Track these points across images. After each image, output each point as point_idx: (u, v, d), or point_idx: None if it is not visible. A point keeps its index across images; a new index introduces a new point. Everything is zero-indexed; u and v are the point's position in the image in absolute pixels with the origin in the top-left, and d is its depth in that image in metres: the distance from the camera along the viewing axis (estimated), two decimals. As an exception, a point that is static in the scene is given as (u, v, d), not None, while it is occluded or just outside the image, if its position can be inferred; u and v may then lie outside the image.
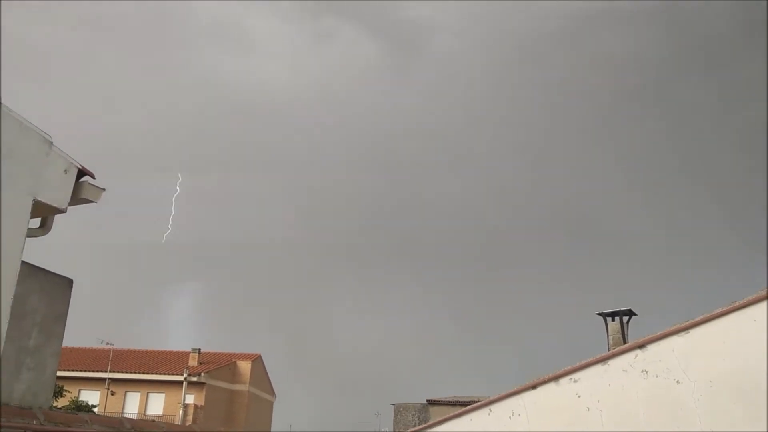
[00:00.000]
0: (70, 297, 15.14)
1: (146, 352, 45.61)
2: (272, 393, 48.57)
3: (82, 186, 4.61)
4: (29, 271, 7.58)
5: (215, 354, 44.25)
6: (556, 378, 7.04)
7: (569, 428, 6.79)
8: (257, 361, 45.24)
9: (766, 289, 6.39)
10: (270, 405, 48.24)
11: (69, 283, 15.28)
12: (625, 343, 10.96)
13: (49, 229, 4.66)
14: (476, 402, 7.72)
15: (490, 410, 7.29)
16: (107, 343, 40.90)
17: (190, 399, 38.27)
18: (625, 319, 12.93)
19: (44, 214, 4.55)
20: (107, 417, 4.98)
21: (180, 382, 38.33)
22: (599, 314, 13.20)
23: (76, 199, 4.59)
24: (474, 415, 7.37)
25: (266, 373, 47.27)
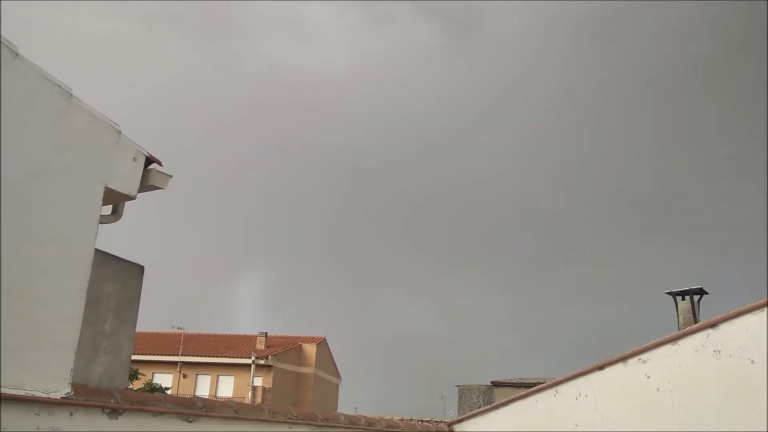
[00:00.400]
0: (142, 283, 15.74)
1: (215, 336, 46.83)
2: (338, 376, 49.28)
3: (150, 173, 4.75)
4: (103, 258, 7.88)
5: (281, 337, 45.10)
6: (624, 358, 6.91)
7: (638, 409, 6.66)
8: (322, 344, 45.94)
9: None
10: (336, 387, 48.95)
11: (141, 269, 15.88)
12: (696, 322, 10.64)
13: (120, 216, 4.83)
14: (541, 384, 7.65)
15: (557, 391, 7.21)
16: (178, 328, 42.24)
17: (258, 381, 39.21)
18: (696, 298, 12.54)
19: (115, 201, 4.72)
20: (180, 396, 5.16)
21: (248, 365, 39.32)
22: (669, 293, 12.84)
23: (145, 186, 4.73)
24: (540, 396, 7.31)
25: (331, 356, 47.96)
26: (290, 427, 5.48)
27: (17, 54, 4.02)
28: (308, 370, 44.27)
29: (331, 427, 5.81)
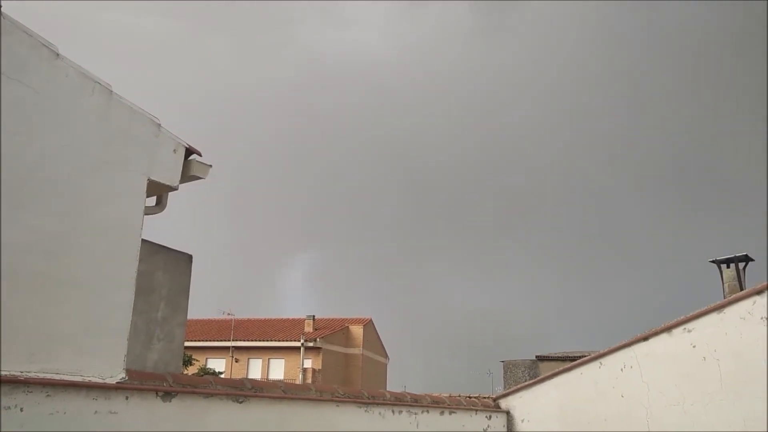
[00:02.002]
0: (191, 271, 16.09)
1: (265, 320, 47.66)
2: (385, 355, 49.74)
3: (190, 164, 4.89)
4: (153, 249, 8.08)
5: (329, 320, 45.68)
6: (668, 329, 6.86)
7: (685, 379, 6.62)
8: (369, 325, 46.40)
9: None
10: (384, 367, 49.44)
11: (189, 258, 16.22)
12: (741, 290, 10.46)
13: (164, 207, 4.98)
14: (585, 357, 7.64)
15: (601, 363, 7.21)
16: (228, 314, 43.15)
17: (308, 363, 39.86)
18: (741, 265, 12.28)
19: (158, 192, 4.87)
20: (230, 378, 5.33)
21: (298, 348, 39.98)
22: (713, 261, 12.60)
23: (186, 176, 4.87)
24: (584, 369, 7.32)
25: (378, 336, 48.41)
26: (337, 405, 5.62)
27: (58, 54, 4.17)
28: (356, 350, 44.80)
29: (377, 404, 5.93)
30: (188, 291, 15.54)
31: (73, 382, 3.96)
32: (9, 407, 3.66)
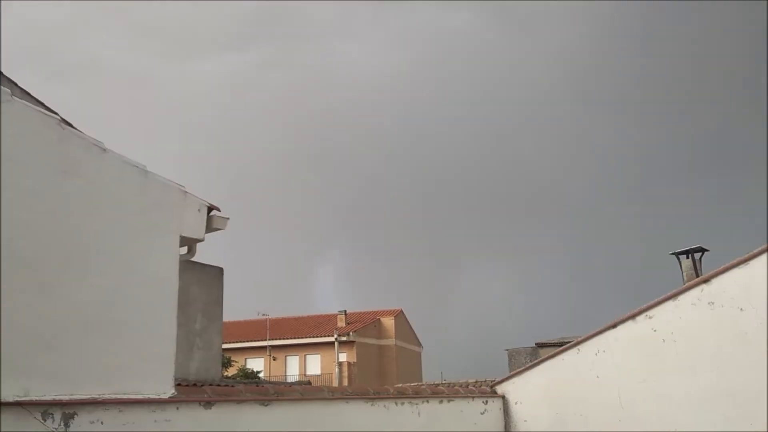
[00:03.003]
0: (223, 283, 17.45)
1: (299, 318, 49.22)
2: (418, 344, 50.99)
3: (212, 219, 6.11)
4: (187, 265, 9.25)
5: (360, 313, 47.07)
6: (633, 316, 7.92)
7: (648, 359, 7.68)
8: (400, 316, 47.69)
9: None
10: (418, 355, 50.73)
11: (220, 271, 17.60)
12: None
13: (194, 254, 6.22)
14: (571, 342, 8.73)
15: (579, 349, 8.30)
16: (263, 314, 44.78)
17: (342, 357, 41.30)
18: (698, 256, 13.21)
19: (189, 243, 6.11)
20: (256, 386, 6.55)
21: (332, 343, 41.46)
22: (672, 254, 13.57)
23: (210, 228, 6.10)
24: (565, 355, 8.42)
25: (410, 326, 49.68)
26: (347, 402, 6.83)
27: (105, 149, 5.42)
28: (389, 341, 46.14)
29: (381, 398, 7.11)
30: (222, 301, 16.91)
31: (137, 400, 5.23)
32: (93, 421, 4.95)
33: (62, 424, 4.82)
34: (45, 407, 4.77)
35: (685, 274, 13.26)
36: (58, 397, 4.84)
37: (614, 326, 8.06)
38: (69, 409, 4.87)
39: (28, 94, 9.13)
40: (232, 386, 6.64)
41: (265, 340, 44.06)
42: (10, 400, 4.60)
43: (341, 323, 44.37)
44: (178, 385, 5.70)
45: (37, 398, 4.74)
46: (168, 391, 5.49)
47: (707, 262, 13.83)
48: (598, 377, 8.03)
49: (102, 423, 5.00)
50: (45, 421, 4.75)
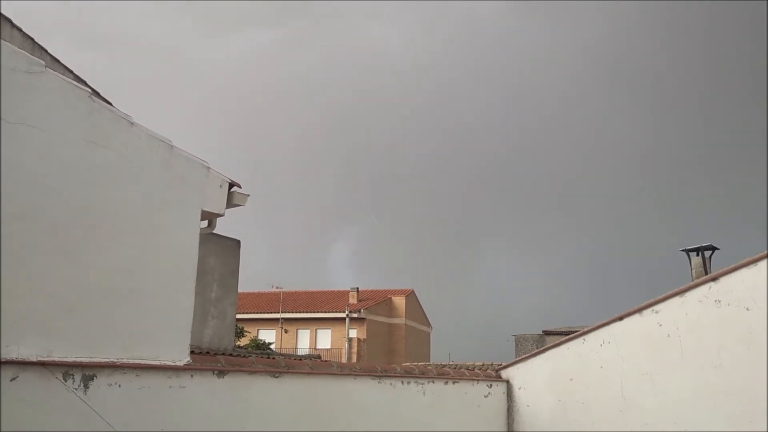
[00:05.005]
0: (239, 255, 17.70)
1: (311, 293, 49.69)
2: (428, 324, 51.35)
3: (233, 195, 6.27)
4: (205, 237, 9.43)
5: (372, 291, 47.43)
6: (639, 310, 8.03)
7: (653, 352, 7.80)
8: (411, 296, 48.01)
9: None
10: (427, 336, 51.12)
11: (237, 243, 17.86)
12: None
13: (214, 227, 6.40)
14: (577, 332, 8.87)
15: (584, 339, 8.43)
16: (277, 287, 45.30)
17: (353, 333, 41.74)
18: (708, 254, 13.24)
19: (209, 218, 6.29)
20: (268, 357, 6.76)
21: (343, 319, 41.87)
22: (683, 250, 13.61)
23: (230, 204, 6.27)
24: (571, 344, 8.56)
25: (420, 307, 50.01)
26: (355, 378, 7.03)
27: (132, 123, 5.59)
28: (399, 320, 46.51)
29: (388, 377, 7.31)
30: (238, 273, 17.16)
31: (153, 365, 5.46)
32: (111, 384, 5.18)
33: (82, 385, 5.06)
34: (66, 368, 5.01)
35: (694, 271, 13.33)
36: (78, 359, 5.08)
37: (620, 319, 8.18)
38: (89, 371, 5.11)
39: (58, 61, 9.32)
40: (245, 356, 6.86)
41: (278, 312, 44.60)
42: (33, 359, 4.83)
43: (353, 300, 44.77)
44: (192, 352, 5.92)
45: (59, 359, 4.98)
46: (183, 358, 5.71)
47: (717, 261, 13.94)
48: (601, 368, 8.17)
49: (119, 386, 5.23)
50: (66, 381, 4.99)
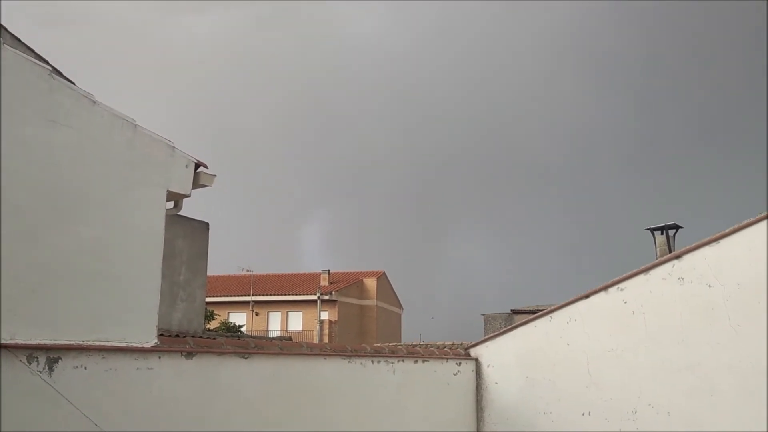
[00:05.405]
0: (208, 237, 17.56)
1: (282, 275, 49.57)
2: (399, 306, 51.62)
3: (199, 175, 6.20)
4: (173, 219, 9.35)
5: (343, 273, 47.50)
6: (605, 288, 8.15)
7: (618, 329, 7.94)
8: (382, 277, 48.18)
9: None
10: (398, 317, 51.41)
11: (206, 225, 17.70)
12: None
13: (180, 209, 6.32)
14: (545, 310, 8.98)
15: (551, 318, 8.54)
16: (247, 270, 45.05)
17: (324, 315, 41.78)
18: (672, 232, 13.51)
19: (175, 198, 6.21)
20: (238, 340, 6.74)
21: (314, 301, 41.85)
22: (648, 229, 13.88)
23: (196, 185, 6.20)
24: (538, 322, 8.66)
25: (392, 288, 50.22)
26: (325, 359, 7.04)
27: (95, 102, 5.48)
28: (370, 302, 46.67)
29: (358, 356, 7.34)
30: (207, 255, 17.01)
31: (120, 347, 5.40)
32: (77, 366, 5.12)
33: (46, 368, 4.99)
34: (30, 351, 4.93)
35: (658, 249, 13.60)
36: (43, 342, 5.00)
37: (587, 297, 8.30)
38: (53, 353, 5.04)
39: (18, 40, 9.09)
40: (214, 338, 6.82)
41: (249, 295, 44.44)
42: (-4, 342, 4.76)
43: (324, 282, 44.80)
44: (161, 335, 5.87)
45: (23, 342, 4.90)
46: (151, 340, 5.66)
47: (681, 239, 14.24)
48: (568, 345, 8.30)
49: (85, 368, 5.17)
50: (30, 364, 4.92)
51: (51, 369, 5.01)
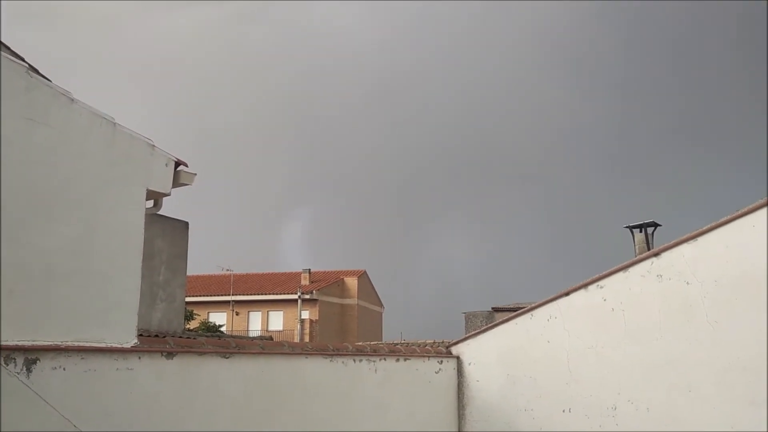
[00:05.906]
0: (188, 237, 17.43)
1: (263, 275, 49.36)
2: (380, 305, 51.65)
3: (179, 174, 6.15)
4: (152, 218, 9.28)
5: (324, 272, 47.41)
6: (585, 285, 8.22)
7: (597, 326, 8.00)
8: (363, 276, 48.17)
9: (766, 198, 7.22)
10: (379, 316, 51.43)
11: (185, 225, 17.57)
12: (648, 252, 11.84)
13: (160, 207, 6.27)
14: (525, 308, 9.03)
15: (532, 315, 8.59)
16: (227, 270, 44.80)
17: (305, 315, 41.66)
18: (651, 230, 13.70)
19: (155, 197, 6.16)
20: (219, 339, 6.70)
21: (295, 301, 41.73)
22: (626, 227, 14.08)
23: (176, 183, 6.15)
24: (519, 320, 8.71)
25: (373, 287, 50.23)
26: (306, 358, 7.02)
27: (73, 99, 5.42)
28: (351, 301, 46.64)
29: (340, 355, 7.33)
30: (186, 255, 16.88)
31: (99, 348, 5.35)
32: (55, 367, 5.06)
33: (24, 369, 4.93)
34: (7, 352, 4.87)
35: (637, 247, 13.76)
36: (20, 343, 4.94)
37: (567, 294, 8.36)
38: (31, 354, 4.98)
39: (-7, 37, 8.93)
40: (194, 338, 6.78)
41: (229, 295, 44.21)
42: (-27, 343, 4.69)
43: (305, 281, 44.69)
44: (140, 335, 5.82)
45: (0, 343, 4.83)
46: (130, 340, 5.61)
47: (659, 237, 14.42)
48: (548, 342, 8.35)
49: (64, 369, 5.11)
50: (8, 365, 4.85)
51: (29, 370, 4.95)
